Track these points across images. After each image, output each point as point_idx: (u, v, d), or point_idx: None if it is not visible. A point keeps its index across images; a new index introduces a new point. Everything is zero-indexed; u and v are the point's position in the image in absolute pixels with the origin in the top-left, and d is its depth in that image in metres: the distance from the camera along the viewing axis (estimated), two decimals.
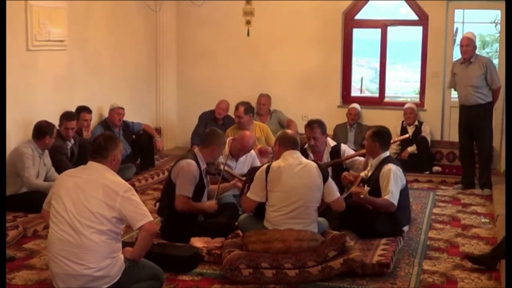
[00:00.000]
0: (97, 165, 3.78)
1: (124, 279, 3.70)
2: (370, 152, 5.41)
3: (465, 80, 7.06)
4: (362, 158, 5.76)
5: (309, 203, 4.57)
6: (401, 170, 5.17)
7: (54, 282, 3.71)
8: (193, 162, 4.95)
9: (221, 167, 5.38)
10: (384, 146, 5.33)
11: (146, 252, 3.83)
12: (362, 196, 4.95)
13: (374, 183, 5.15)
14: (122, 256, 3.74)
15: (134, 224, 3.67)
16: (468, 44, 7.00)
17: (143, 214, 3.67)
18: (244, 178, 5.58)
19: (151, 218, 3.71)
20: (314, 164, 4.68)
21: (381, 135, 5.35)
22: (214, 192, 5.27)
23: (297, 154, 4.72)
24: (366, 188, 5.13)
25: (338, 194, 4.72)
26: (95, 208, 3.60)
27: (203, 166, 5.06)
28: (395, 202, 4.99)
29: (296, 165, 4.61)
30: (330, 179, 4.70)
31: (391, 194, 4.98)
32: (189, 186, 4.92)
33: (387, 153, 5.33)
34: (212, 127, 5.88)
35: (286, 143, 4.75)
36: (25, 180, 5.83)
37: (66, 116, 6.48)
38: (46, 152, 6.14)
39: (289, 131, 5.13)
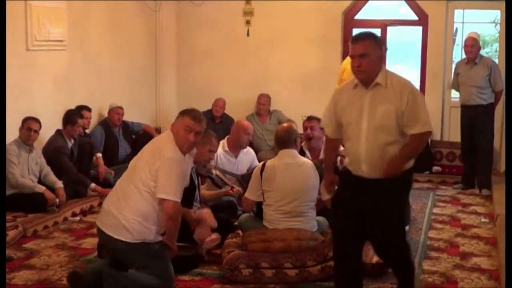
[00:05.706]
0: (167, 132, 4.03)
1: (136, 249, 3.77)
2: None
3: (469, 81, 7.05)
4: None
5: (305, 202, 4.57)
6: None
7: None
8: None
9: (213, 171, 5.33)
10: None
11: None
12: None
13: None
14: (158, 235, 3.85)
15: (158, 192, 3.75)
16: (473, 45, 7.00)
17: (169, 191, 3.74)
18: (234, 186, 5.49)
19: (176, 199, 3.77)
20: (310, 163, 4.68)
21: None
22: (205, 198, 5.23)
23: (292, 152, 4.68)
24: None
25: None
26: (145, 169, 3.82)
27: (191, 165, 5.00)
28: None
29: (291, 164, 4.60)
30: None
31: None
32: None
33: None
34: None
35: (278, 142, 4.77)
36: (9, 177, 5.71)
37: (69, 121, 6.49)
38: (39, 151, 6.13)
39: (281, 129, 4.82)
